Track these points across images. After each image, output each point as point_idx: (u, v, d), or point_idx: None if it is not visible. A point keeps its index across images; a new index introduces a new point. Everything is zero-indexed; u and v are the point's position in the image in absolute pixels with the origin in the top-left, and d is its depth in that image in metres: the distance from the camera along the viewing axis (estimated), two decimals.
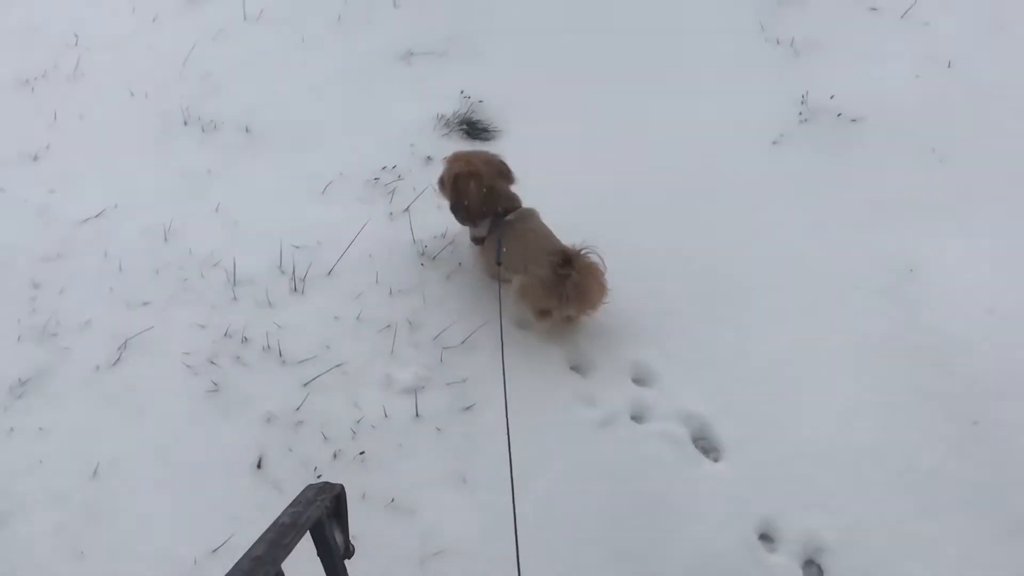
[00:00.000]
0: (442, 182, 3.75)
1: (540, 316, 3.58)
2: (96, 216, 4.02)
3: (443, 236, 3.95)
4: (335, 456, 3.19)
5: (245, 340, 3.53)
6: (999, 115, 4.21)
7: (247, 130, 4.45)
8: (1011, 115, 4.20)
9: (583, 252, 3.44)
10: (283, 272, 3.78)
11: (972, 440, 3.26)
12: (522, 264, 3.52)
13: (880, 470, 3.22)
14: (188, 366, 3.43)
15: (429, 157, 4.32)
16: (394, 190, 4.15)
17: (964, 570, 2.97)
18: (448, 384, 3.43)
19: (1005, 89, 4.34)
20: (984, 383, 3.39)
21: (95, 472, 3.08)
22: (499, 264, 3.54)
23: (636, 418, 3.43)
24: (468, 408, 3.36)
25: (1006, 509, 3.07)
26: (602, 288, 3.47)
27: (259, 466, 3.14)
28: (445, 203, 3.76)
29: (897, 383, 3.45)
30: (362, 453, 3.20)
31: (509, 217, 3.61)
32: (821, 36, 4.84)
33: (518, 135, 4.54)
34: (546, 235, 3.58)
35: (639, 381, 3.55)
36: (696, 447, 3.36)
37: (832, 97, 4.46)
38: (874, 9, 4.96)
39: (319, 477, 3.11)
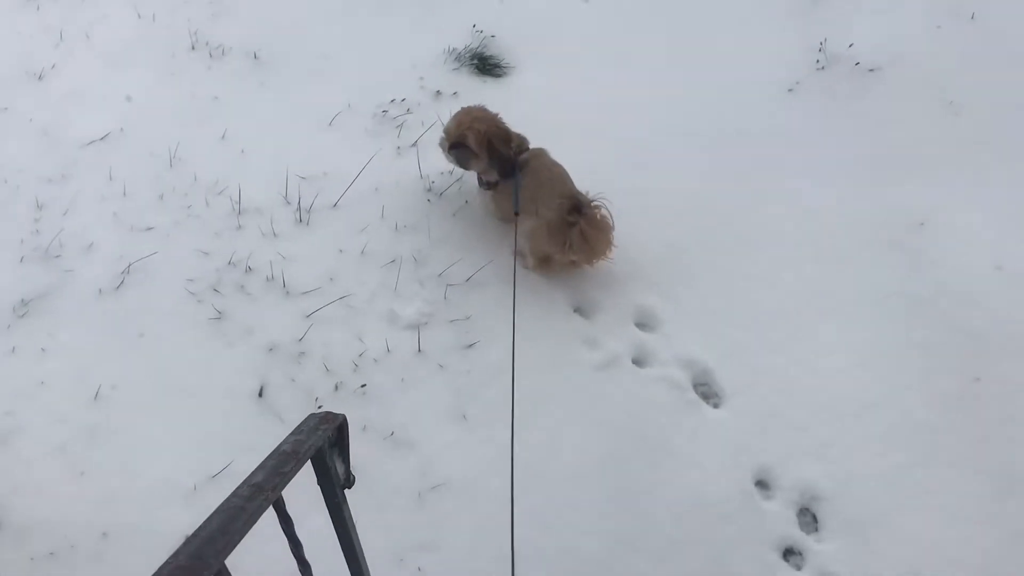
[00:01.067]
0: (448, 137, 3.64)
1: (540, 263, 3.58)
2: (101, 139, 3.97)
3: (450, 173, 3.90)
4: (336, 388, 3.19)
5: (249, 269, 3.51)
6: (1019, 70, 4.13)
7: (255, 57, 4.37)
8: None
9: (594, 204, 3.42)
10: (288, 202, 3.75)
11: (973, 396, 3.27)
12: (534, 206, 3.49)
13: (879, 422, 3.24)
14: (191, 292, 3.41)
15: (439, 91, 4.26)
16: (402, 124, 4.09)
17: (956, 524, 3.00)
18: (451, 321, 3.42)
19: None
20: (988, 340, 3.39)
21: (96, 395, 3.09)
22: (517, 214, 3.50)
23: (638, 362, 3.44)
24: (471, 346, 3.36)
25: (1001, 467, 3.10)
26: (608, 243, 3.46)
27: (260, 395, 3.15)
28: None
29: (901, 336, 3.45)
30: (363, 386, 3.20)
31: (523, 156, 3.57)
32: None
33: (531, 73, 4.47)
34: (560, 176, 3.54)
35: (642, 325, 3.55)
36: (696, 392, 3.37)
37: (851, 46, 4.37)
38: None
39: (320, 408, 3.11)
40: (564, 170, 3.56)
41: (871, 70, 4.29)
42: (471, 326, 3.41)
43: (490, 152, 3.51)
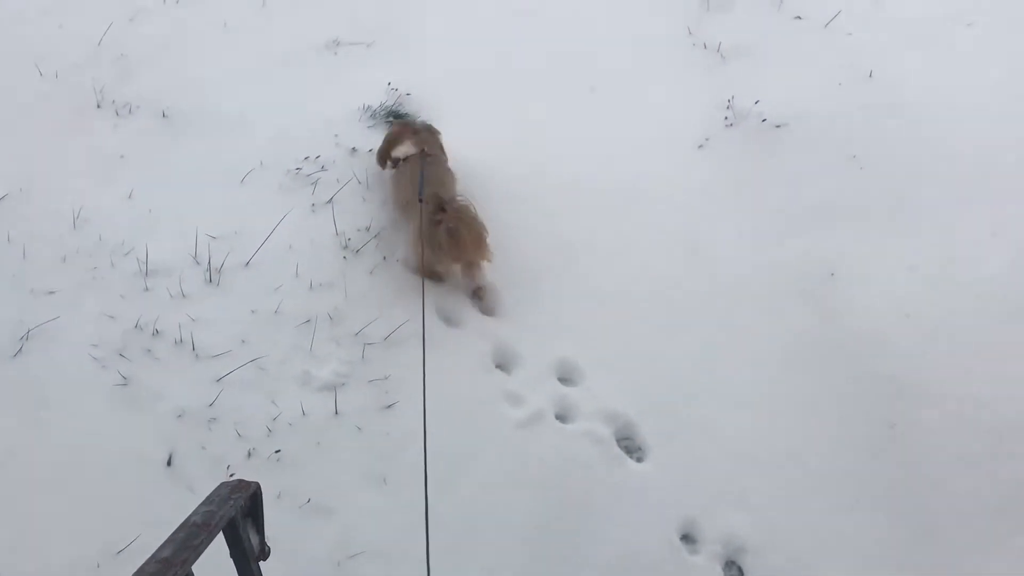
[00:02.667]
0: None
1: (426, 271, 3.59)
2: None
3: (367, 229, 3.85)
4: (249, 454, 3.08)
5: (156, 332, 3.38)
6: (916, 125, 4.27)
7: (164, 115, 4.26)
8: (928, 125, 4.27)
9: (456, 198, 3.55)
10: (198, 262, 3.64)
11: (889, 442, 3.33)
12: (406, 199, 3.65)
13: (800, 471, 3.27)
14: (95, 358, 3.27)
15: (354, 148, 4.22)
16: (317, 181, 4.03)
17: (880, 570, 3.03)
18: (370, 381, 3.35)
19: (922, 100, 4.40)
20: (901, 386, 3.45)
21: None
22: (421, 200, 3.54)
23: (561, 417, 3.42)
24: (390, 406, 3.29)
25: (920, 510, 3.15)
26: (479, 237, 3.51)
27: (169, 464, 3.02)
28: (371, 193, 3.89)
29: (817, 384, 3.50)
30: (278, 451, 3.10)
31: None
32: (747, 42, 4.87)
33: (446, 131, 4.46)
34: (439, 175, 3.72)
35: (564, 379, 3.54)
36: (620, 447, 3.36)
37: (757, 102, 4.49)
38: (799, 18, 5.01)
39: (232, 476, 2.99)
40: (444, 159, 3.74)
41: (778, 126, 4.41)
42: (390, 386, 3.35)
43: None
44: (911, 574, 3.03)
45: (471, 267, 3.70)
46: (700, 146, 4.42)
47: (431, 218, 3.49)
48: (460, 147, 4.10)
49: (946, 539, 3.06)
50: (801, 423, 3.37)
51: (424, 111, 4.50)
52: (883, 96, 4.48)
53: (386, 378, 3.36)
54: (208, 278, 3.59)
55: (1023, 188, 4.01)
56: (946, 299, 3.66)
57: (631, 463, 3.31)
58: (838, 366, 3.53)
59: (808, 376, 3.52)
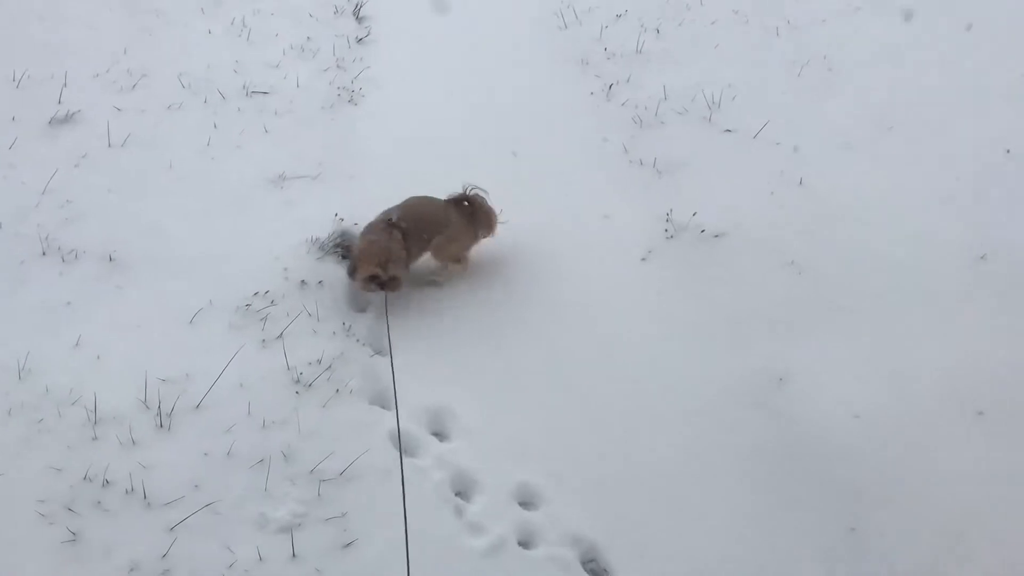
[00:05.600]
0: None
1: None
2: None
3: (319, 362, 3.85)
4: None
5: (106, 483, 3.31)
6: (849, 230, 4.44)
7: (110, 259, 4.26)
8: (860, 229, 4.44)
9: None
10: (148, 407, 3.60)
11: (851, 547, 3.32)
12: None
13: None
14: (42, 515, 3.18)
15: (303, 281, 4.25)
16: (267, 316, 4.04)
17: None
18: (327, 520, 3.29)
19: (853, 204, 4.59)
20: (859, 489, 3.48)
21: None
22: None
23: (524, 544, 3.38)
24: (349, 544, 3.22)
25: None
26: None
27: None
28: (322, 325, 4.01)
29: (775, 494, 3.50)
30: None
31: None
32: (681, 156, 5.05)
33: None
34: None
35: (525, 504, 3.50)
36: (585, 570, 3.31)
37: (695, 214, 4.63)
38: (728, 131, 5.23)
39: None
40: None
41: (716, 236, 4.54)
42: (348, 523, 3.29)
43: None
44: None
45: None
46: (643, 259, 4.51)
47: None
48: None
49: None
50: (763, 534, 3.36)
51: None
52: (814, 202, 4.67)
53: (343, 515, 3.30)
54: (159, 423, 3.54)
55: (954, 288, 4.16)
56: (894, 401, 3.74)
57: None
58: (795, 474, 3.55)
59: (766, 486, 3.53)
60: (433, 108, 5.55)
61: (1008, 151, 4.85)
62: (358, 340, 4.04)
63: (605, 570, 3.31)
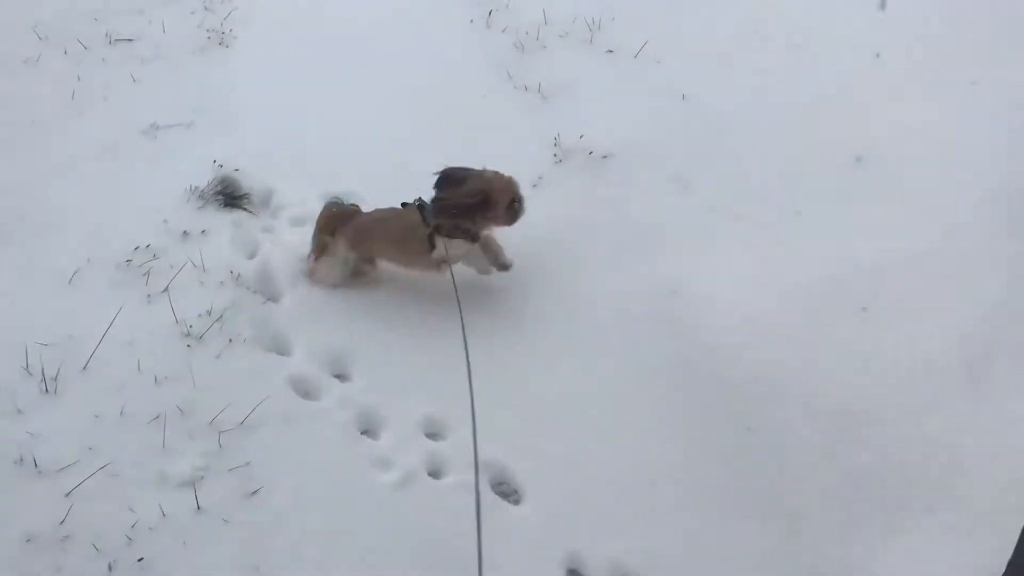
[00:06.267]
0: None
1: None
2: None
3: (208, 313, 3.74)
4: (111, 568, 2.91)
5: None
6: (732, 141, 4.52)
7: None
8: (742, 141, 4.51)
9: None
10: (31, 374, 3.44)
11: (749, 446, 3.42)
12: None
13: (672, 489, 3.33)
14: None
15: (185, 232, 4.10)
16: (150, 271, 3.88)
17: (756, 573, 3.11)
18: (230, 470, 3.23)
19: (734, 117, 4.67)
20: (753, 389, 3.58)
21: None
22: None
23: (433, 474, 3.39)
24: (254, 493, 3.17)
25: (785, 508, 3.25)
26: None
27: None
28: (208, 276, 3.86)
29: (676, 401, 3.58)
30: (141, 560, 2.94)
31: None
32: (565, 80, 5.03)
33: (281, 201, 4.41)
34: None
35: (432, 435, 3.51)
36: (496, 493, 3.35)
37: (582, 137, 4.63)
38: (610, 51, 5.22)
39: None
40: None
41: (604, 157, 4.56)
42: (252, 472, 3.23)
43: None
44: (787, 567, 3.12)
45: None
46: (534, 185, 4.50)
47: None
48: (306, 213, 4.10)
49: (812, 532, 3.17)
50: (667, 441, 3.44)
51: (256, 184, 4.42)
52: (697, 117, 4.72)
53: (247, 464, 3.24)
54: (44, 388, 3.39)
55: (834, 189, 4.28)
56: (782, 302, 3.83)
57: (510, 507, 3.30)
58: (692, 381, 3.62)
59: (667, 393, 3.60)
60: (309, 45, 5.37)
61: (878, 55, 4.97)
62: (248, 288, 3.93)
63: (516, 491, 3.35)
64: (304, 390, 3.59)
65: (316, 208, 4.13)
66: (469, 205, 3.64)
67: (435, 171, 3.71)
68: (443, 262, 3.75)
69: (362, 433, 3.49)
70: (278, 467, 3.25)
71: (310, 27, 5.56)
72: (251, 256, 4.13)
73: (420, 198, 3.76)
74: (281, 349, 3.75)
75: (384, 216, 3.92)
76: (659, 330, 3.81)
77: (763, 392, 3.56)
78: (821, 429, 3.43)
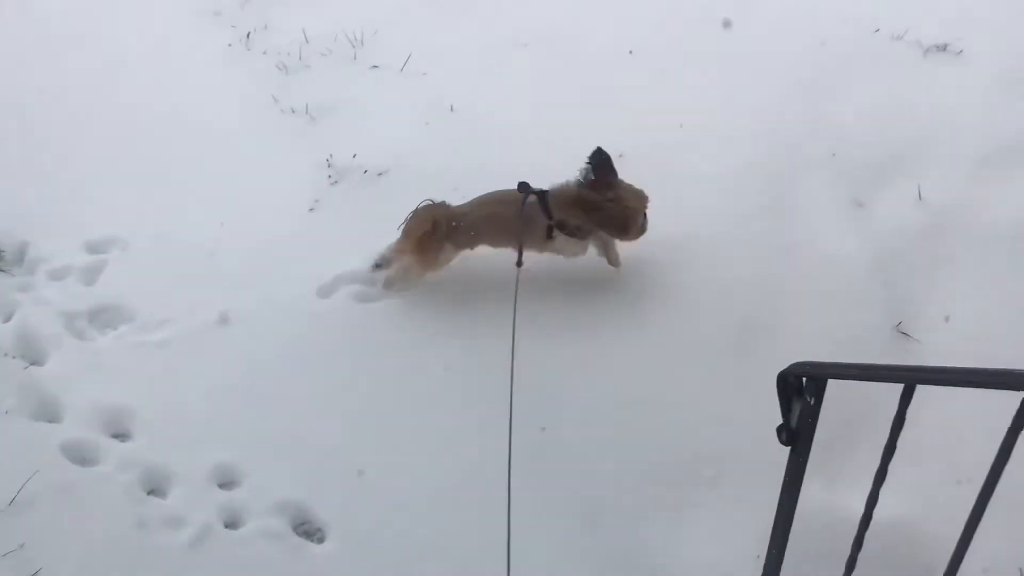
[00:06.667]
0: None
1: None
2: None
3: None
4: None
5: None
6: (498, 149, 4.56)
7: None
8: (513, 147, 4.57)
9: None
10: None
11: (544, 445, 3.45)
12: None
13: (474, 497, 3.31)
14: None
15: None
16: None
17: (570, 568, 3.18)
18: (3, 556, 2.99)
19: (503, 124, 4.72)
20: (544, 390, 3.62)
21: None
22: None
23: (231, 524, 3.27)
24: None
25: (584, 501, 3.33)
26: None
27: None
28: None
29: (468, 408, 3.58)
30: None
31: None
32: (332, 99, 4.97)
33: (37, 254, 4.11)
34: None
35: (226, 484, 3.38)
36: (299, 534, 3.27)
37: (355, 156, 4.58)
38: (375, 66, 5.20)
39: None
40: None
41: (379, 174, 4.53)
42: (28, 555, 3.01)
43: None
44: (588, 560, 3.20)
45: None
46: (311, 209, 4.42)
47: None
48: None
49: (610, 520, 3.26)
50: (460, 450, 3.44)
51: (5, 240, 4.11)
52: (467, 127, 4.75)
53: (21, 547, 3.01)
54: None
55: None
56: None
57: (313, 546, 3.24)
58: (483, 385, 3.61)
59: (457, 401, 3.61)
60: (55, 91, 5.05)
61: (631, 52, 5.17)
62: (6, 354, 3.65)
63: (319, 529, 3.28)
64: (80, 456, 3.37)
65: (80, 259, 3.91)
66: (609, 216, 3.71)
67: (590, 157, 3.75)
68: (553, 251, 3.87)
69: (149, 493, 3.32)
70: (57, 545, 3.04)
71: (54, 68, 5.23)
72: (7, 319, 3.84)
73: (540, 189, 3.82)
74: (50, 415, 3.51)
75: (495, 209, 3.90)
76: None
77: (553, 391, 3.62)
78: (611, 419, 3.53)
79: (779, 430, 2.22)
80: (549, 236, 3.81)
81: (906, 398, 1.83)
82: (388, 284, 4.02)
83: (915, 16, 4.97)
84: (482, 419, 3.48)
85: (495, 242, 3.95)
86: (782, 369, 2.16)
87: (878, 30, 4.98)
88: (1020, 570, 2.93)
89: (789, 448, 2.24)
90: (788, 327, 3.69)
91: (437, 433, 3.52)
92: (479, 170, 4.50)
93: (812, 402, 2.09)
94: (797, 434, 2.18)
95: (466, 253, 4.00)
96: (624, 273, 3.99)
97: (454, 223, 3.86)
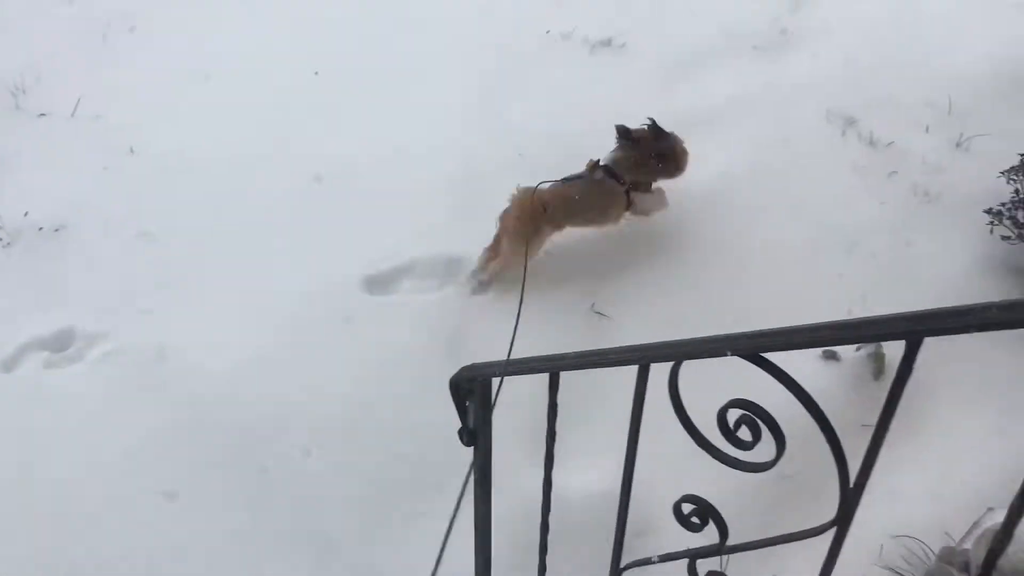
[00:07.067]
0: None
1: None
2: None
3: None
4: None
5: None
6: (190, 184, 4.37)
7: None
8: (201, 182, 4.38)
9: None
10: None
11: (269, 487, 3.36)
12: None
13: (201, 554, 3.18)
14: None
15: None
16: None
17: None
18: None
19: (189, 159, 4.52)
20: (259, 430, 3.51)
21: None
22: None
23: None
24: None
25: (311, 536, 3.25)
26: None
27: None
28: None
29: (189, 465, 3.43)
30: None
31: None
32: None
33: None
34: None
35: None
36: None
37: (27, 214, 4.24)
38: (43, 114, 4.84)
39: None
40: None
41: (57, 230, 4.22)
42: None
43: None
44: None
45: None
46: None
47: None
48: None
49: (340, 549, 3.21)
50: (182, 512, 3.29)
51: None
52: (150, 167, 4.53)
53: None
54: None
55: (300, 207, 4.34)
56: (278, 336, 3.81)
57: None
58: (198, 440, 3.48)
59: (180, 457, 3.43)
60: None
61: (316, 73, 5.09)
62: None
63: None
64: None
65: None
66: (675, 159, 3.94)
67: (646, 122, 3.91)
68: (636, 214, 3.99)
69: None
70: None
71: None
72: None
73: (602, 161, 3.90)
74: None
75: (580, 189, 3.88)
76: (152, 399, 3.61)
77: (269, 431, 3.50)
78: (320, 446, 3.47)
79: (460, 433, 2.25)
80: (630, 201, 3.93)
81: (554, 388, 1.93)
82: (490, 279, 3.98)
83: (580, 15, 5.26)
84: (200, 473, 3.36)
85: (586, 219, 4.00)
86: (451, 375, 2.20)
87: (548, 31, 5.21)
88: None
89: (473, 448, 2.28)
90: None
91: (157, 498, 3.34)
92: (168, 211, 4.33)
93: (481, 402, 2.15)
94: (476, 434, 2.22)
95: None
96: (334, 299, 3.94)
97: (544, 208, 3.85)
